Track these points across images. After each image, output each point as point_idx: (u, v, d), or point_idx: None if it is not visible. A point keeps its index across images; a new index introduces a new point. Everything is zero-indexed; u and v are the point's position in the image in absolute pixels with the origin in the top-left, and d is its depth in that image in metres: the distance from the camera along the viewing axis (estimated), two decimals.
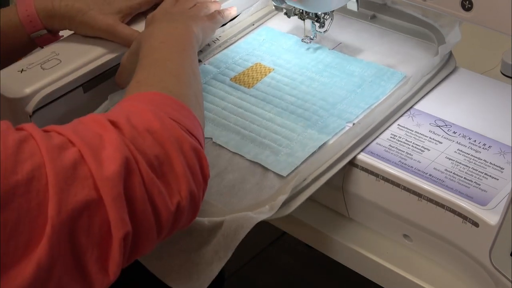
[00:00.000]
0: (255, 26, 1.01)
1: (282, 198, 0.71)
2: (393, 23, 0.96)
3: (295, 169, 0.77)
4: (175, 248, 0.73)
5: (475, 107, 0.83)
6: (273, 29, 1.00)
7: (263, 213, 0.71)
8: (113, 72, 0.89)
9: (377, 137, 0.80)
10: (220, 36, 0.97)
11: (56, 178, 0.55)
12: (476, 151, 0.77)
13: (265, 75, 0.91)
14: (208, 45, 0.96)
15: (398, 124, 0.81)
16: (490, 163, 0.75)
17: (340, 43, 0.96)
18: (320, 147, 0.79)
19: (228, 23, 0.99)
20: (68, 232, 0.55)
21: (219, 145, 0.81)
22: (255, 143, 0.81)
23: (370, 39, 0.96)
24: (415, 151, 0.77)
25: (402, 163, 0.76)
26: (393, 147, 0.78)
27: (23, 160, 0.55)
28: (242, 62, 0.94)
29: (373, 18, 0.98)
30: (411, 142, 0.79)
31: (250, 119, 0.84)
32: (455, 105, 0.84)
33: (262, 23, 1.01)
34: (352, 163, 0.77)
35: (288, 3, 0.89)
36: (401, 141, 0.79)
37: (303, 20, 0.93)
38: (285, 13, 0.95)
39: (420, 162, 0.76)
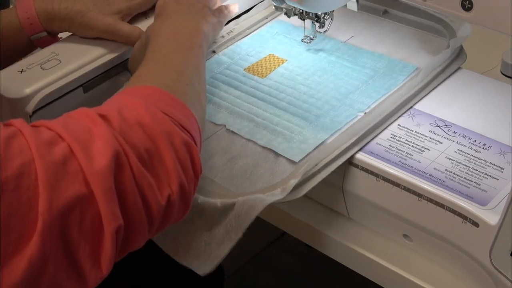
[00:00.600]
0: (268, 19, 1.02)
1: (294, 182, 0.73)
2: (404, 18, 0.98)
3: (307, 155, 0.78)
4: (185, 228, 0.74)
5: (475, 107, 0.83)
6: (286, 22, 1.00)
7: (275, 196, 0.73)
8: (114, 72, 0.90)
9: (386, 128, 0.81)
10: (234, 29, 0.99)
11: (46, 174, 0.55)
12: (476, 151, 0.77)
13: (278, 65, 0.92)
14: (222, 36, 0.97)
15: (398, 124, 0.81)
16: (490, 163, 0.75)
17: (352, 36, 0.97)
18: (331, 135, 0.81)
19: (242, 16, 1.00)
20: (60, 228, 0.55)
21: (233, 132, 0.83)
22: (267, 130, 0.82)
23: (382, 33, 0.96)
24: (415, 151, 0.77)
25: (402, 163, 0.76)
26: (393, 147, 0.78)
27: (12, 157, 0.55)
28: (255, 53, 0.95)
29: (385, 13, 0.99)
30: (411, 142, 0.79)
31: (263, 108, 0.86)
32: (455, 105, 0.84)
33: (275, 17, 1.03)
34: (352, 163, 0.77)
35: (288, 3, 0.89)
36: (401, 141, 0.79)
37: (303, 20, 0.93)
38: (285, 13, 0.95)
39: (420, 162, 0.76)
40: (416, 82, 0.85)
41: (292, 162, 0.78)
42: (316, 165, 0.76)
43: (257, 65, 0.93)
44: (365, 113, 0.82)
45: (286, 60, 0.93)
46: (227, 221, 0.72)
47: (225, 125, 0.84)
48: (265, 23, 1.01)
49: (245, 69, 0.93)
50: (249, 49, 0.96)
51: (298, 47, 0.95)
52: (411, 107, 0.83)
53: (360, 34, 0.97)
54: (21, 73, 0.86)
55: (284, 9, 0.95)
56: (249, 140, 0.81)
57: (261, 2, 1.02)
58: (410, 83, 0.84)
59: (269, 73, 0.91)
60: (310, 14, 0.92)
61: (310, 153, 0.78)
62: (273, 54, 0.94)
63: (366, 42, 0.95)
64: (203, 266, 0.73)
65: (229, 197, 0.74)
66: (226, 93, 0.88)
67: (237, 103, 0.87)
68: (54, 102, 0.85)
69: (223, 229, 0.73)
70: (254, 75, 0.91)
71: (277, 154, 0.79)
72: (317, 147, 0.79)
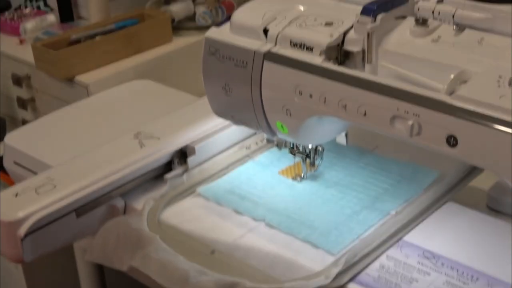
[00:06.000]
0: None
1: (336, 270, 0.77)
2: None
3: (345, 247, 0.82)
4: None
5: (462, 240, 0.84)
6: None
7: (319, 282, 0.76)
8: (107, 198, 0.91)
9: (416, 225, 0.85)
10: (264, 139, 1.04)
11: None
12: (464, 283, 0.77)
13: (310, 170, 0.97)
14: (256, 143, 1.04)
15: (387, 255, 0.82)
16: None
17: (377, 146, 1.02)
18: (366, 230, 0.85)
19: None
20: None
21: (272, 226, 0.88)
22: (305, 225, 0.87)
23: (404, 144, 0.99)
24: (403, 281, 0.77)
25: None
26: (382, 277, 0.78)
27: None
28: (287, 159, 0.99)
29: None
30: (399, 273, 0.79)
31: (300, 205, 0.91)
32: (443, 237, 0.84)
33: None
34: None
35: (279, 136, 0.92)
36: (390, 272, 0.79)
37: (294, 155, 0.96)
38: (276, 145, 0.98)
39: None
40: (443, 186, 0.90)
41: (331, 254, 0.82)
42: (355, 255, 0.79)
43: (290, 168, 0.98)
44: (396, 212, 0.87)
45: (317, 165, 0.97)
46: None
47: (264, 220, 0.88)
48: None
49: (279, 171, 0.98)
50: (281, 155, 1.01)
51: (329, 154, 0.99)
52: (400, 238, 0.84)
53: (384, 144, 1.02)
54: (15, 196, 0.87)
55: (275, 141, 0.98)
56: (288, 233, 0.86)
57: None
58: (435, 188, 0.90)
59: (303, 176, 0.97)
60: (301, 151, 0.95)
61: (346, 246, 0.83)
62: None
63: (390, 151, 1.00)
64: None
65: (274, 283, 0.77)
66: (263, 193, 0.94)
67: (274, 201, 0.92)
68: (47, 226, 0.85)
69: None
70: (288, 177, 0.97)
71: (316, 246, 0.83)
72: (353, 240, 0.83)
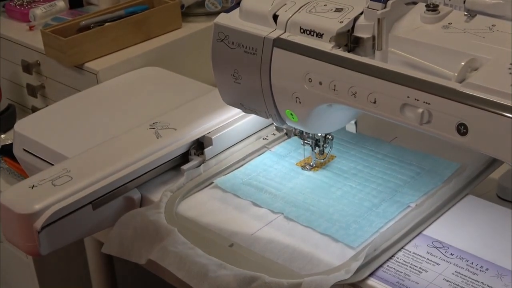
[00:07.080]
0: None
1: (357, 264, 0.76)
2: None
3: (364, 241, 0.82)
4: None
5: (471, 229, 0.84)
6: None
7: (340, 276, 0.75)
8: (124, 190, 0.91)
9: (437, 219, 0.85)
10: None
11: None
12: (474, 273, 0.77)
13: (328, 161, 0.96)
14: (273, 134, 1.02)
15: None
16: (488, 285, 0.75)
17: (396, 137, 1.01)
18: (386, 223, 0.84)
19: None
20: None
21: (290, 219, 0.87)
22: (324, 218, 0.86)
23: (424, 135, 0.99)
24: (413, 272, 0.78)
25: (400, 284, 0.76)
26: (390, 267, 0.78)
27: None
28: (306, 148, 0.98)
29: None
30: (408, 263, 0.79)
31: (318, 197, 0.90)
32: (452, 227, 0.84)
33: None
34: (351, 284, 0.78)
35: (289, 124, 0.92)
36: (398, 262, 0.79)
37: (303, 146, 0.96)
38: (286, 134, 0.98)
39: (418, 284, 0.76)
40: (464, 178, 0.89)
41: (350, 247, 0.81)
42: (375, 250, 0.78)
43: (308, 159, 0.97)
44: (416, 205, 0.86)
45: (335, 157, 0.97)
46: None
47: (282, 213, 0.87)
48: None
49: (296, 163, 0.97)
50: (298, 145, 1.00)
51: (347, 145, 0.99)
52: (420, 232, 0.84)
53: (403, 135, 1.01)
54: (32, 188, 0.87)
55: (284, 130, 0.98)
56: (307, 227, 0.85)
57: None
58: (456, 179, 0.88)
59: (320, 167, 0.96)
60: (310, 141, 0.95)
61: (367, 239, 0.82)
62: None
63: (409, 142, 0.99)
64: None
65: (294, 277, 0.76)
66: (281, 185, 0.93)
67: (292, 193, 0.91)
68: (63, 219, 0.85)
69: None
70: (305, 169, 0.96)
71: (335, 240, 0.82)
72: (373, 234, 0.82)
